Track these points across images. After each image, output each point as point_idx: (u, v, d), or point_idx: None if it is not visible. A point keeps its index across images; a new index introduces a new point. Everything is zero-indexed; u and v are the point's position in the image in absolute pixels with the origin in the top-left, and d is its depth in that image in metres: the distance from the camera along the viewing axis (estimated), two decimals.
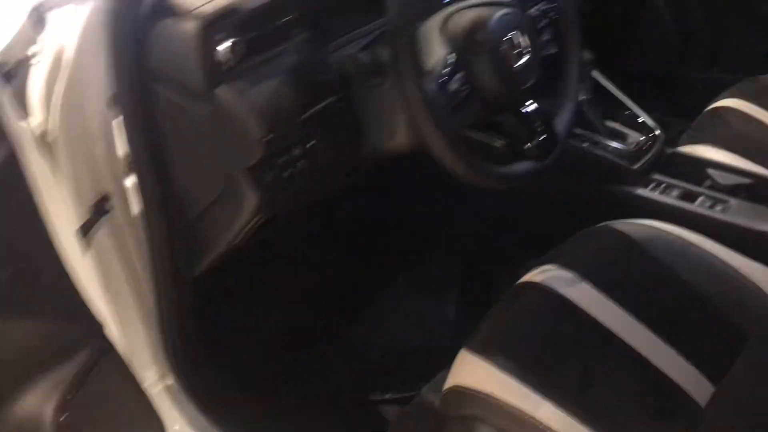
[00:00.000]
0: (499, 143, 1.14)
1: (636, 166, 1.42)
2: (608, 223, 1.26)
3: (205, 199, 1.05)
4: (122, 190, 1.01)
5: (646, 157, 1.44)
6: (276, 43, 1.01)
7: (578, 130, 1.48)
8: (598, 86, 1.56)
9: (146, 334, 1.09)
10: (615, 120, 1.54)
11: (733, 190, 1.41)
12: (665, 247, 1.18)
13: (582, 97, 1.48)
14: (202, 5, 0.94)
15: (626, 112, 1.54)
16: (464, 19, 1.05)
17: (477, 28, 1.02)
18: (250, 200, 1.02)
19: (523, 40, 1.04)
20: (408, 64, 0.93)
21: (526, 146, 1.10)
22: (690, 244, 1.19)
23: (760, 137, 1.56)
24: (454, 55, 1.00)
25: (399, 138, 1.03)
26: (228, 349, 1.34)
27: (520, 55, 1.04)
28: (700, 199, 1.37)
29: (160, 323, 1.08)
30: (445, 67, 0.98)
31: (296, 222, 1.52)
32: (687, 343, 1.04)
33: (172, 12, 0.94)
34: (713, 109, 1.67)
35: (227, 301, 1.36)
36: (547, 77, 1.18)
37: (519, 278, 1.17)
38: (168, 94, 0.97)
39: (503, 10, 1.04)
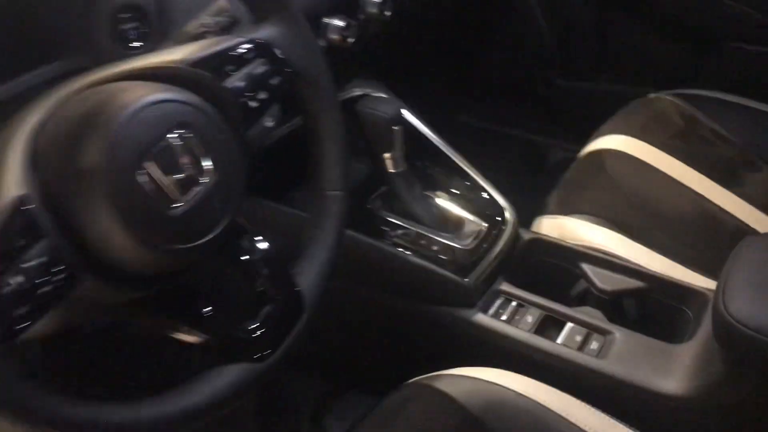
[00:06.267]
0: (193, 337, 0.60)
1: (470, 279, 0.92)
2: (422, 379, 0.80)
3: None
4: None
5: (488, 260, 0.95)
6: None
7: (389, 216, 0.98)
8: (420, 142, 1.04)
9: None
10: (447, 192, 1.03)
11: (617, 302, 0.95)
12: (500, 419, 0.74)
13: (393, 170, 0.97)
14: None
15: (465, 181, 1.04)
16: (78, 111, 0.53)
17: (93, 126, 0.51)
18: None
19: (194, 147, 0.54)
20: None
21: (238, 335, 0.60)
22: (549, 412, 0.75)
23: (654, 193, 1.10)
24: (30, 196, 0.48)
25: None
26: None
27: (194, 182, 0.53)
28: (568, 327, 0.90)
29: None
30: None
31: None
32: None
33: None
34: (590, 153, 1.20)
35: None
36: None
37: None
38: None
39: (161, 94, 0.54)
